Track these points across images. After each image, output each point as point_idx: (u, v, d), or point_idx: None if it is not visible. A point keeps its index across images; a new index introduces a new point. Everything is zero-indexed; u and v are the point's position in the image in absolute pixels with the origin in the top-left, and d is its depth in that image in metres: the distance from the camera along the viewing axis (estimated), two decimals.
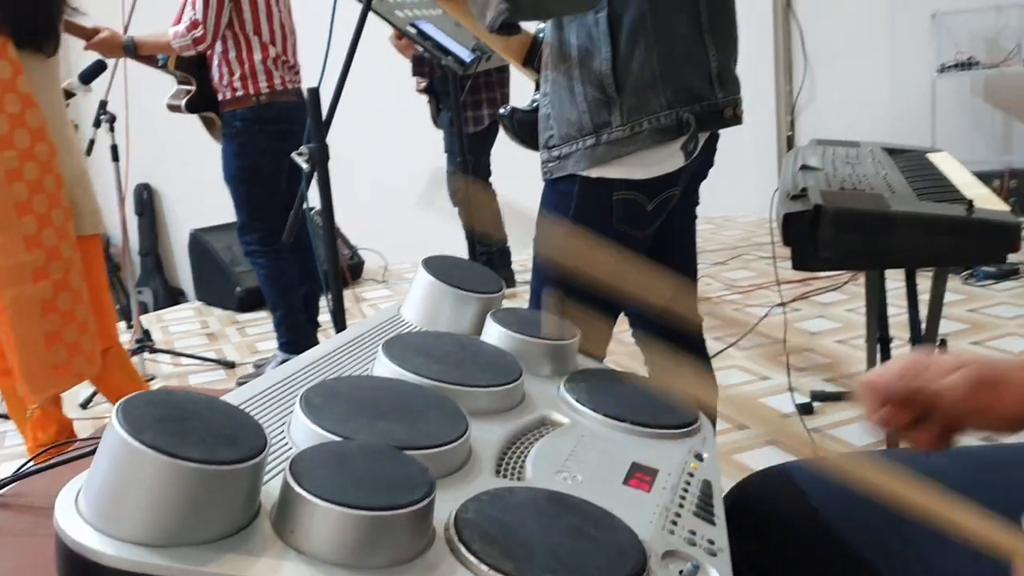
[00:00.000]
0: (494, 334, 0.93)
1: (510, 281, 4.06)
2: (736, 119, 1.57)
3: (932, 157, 2.33)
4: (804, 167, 2.01)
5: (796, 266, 1.72)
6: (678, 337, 1.80)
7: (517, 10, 1.35)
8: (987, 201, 1.75)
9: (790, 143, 5.26)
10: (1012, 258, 3.84)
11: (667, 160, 1.47)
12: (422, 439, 0.69)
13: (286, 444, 0.71)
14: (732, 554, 0.69)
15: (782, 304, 3.45)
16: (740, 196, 4.96)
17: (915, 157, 2.34)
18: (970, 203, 1.66)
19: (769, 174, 4.89)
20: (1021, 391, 0.69)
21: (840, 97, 5.08)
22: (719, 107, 1.52)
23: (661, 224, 1.57)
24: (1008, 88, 4.76)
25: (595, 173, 1.47)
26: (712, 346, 3.12)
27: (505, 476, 0.74)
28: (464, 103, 3.59)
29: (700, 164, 1.61)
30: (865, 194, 1.76)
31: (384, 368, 0.82)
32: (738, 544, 0.73)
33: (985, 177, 4.56)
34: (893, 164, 2.17)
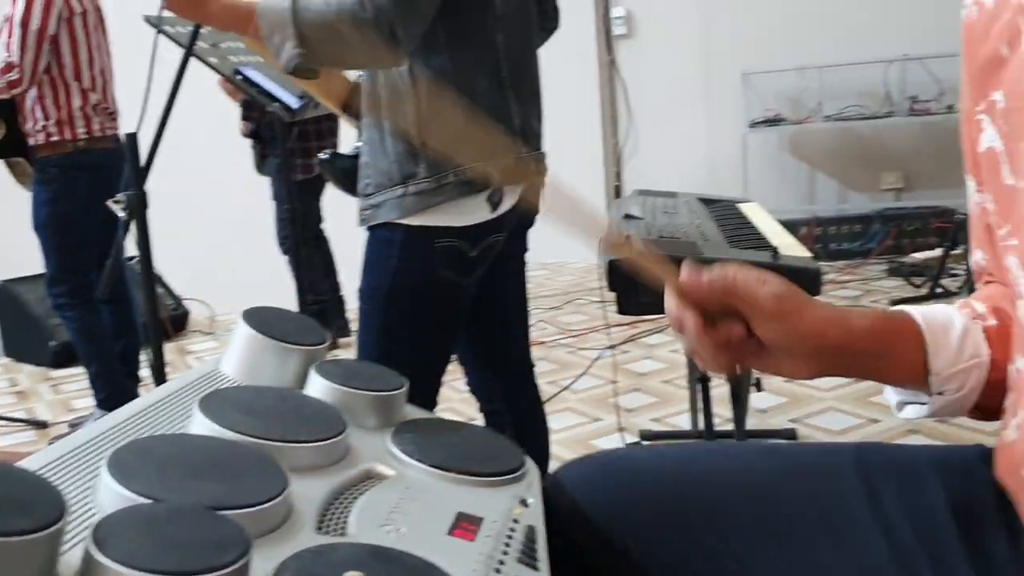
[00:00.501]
0: (317, 387, 0.92)
1: (344, 330, 4.00)
2: (539, 173, 1.62)
3: (743, 207, 2.48)
4: (627, 216, 2.10)
5: (621, 311, 1.78)
6: (512, 383, 1.83)
7: (313, 56, 1.35)
8: (791, 248, 1.88)
9: (617, 192, 5.49)
10: (821, 299, 4.12)
11: (476, 211, 1.50)
12: (238, 498, 0.67)
13: (91, 510, 0.67)
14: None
15: (612, 347, 3.56)
16: (572, 243, 5.10)
17: (727, 207, 2.48)
18: (775, 250, 1.78)
19: None
20: (816, 317, 0.73)
21: (661, 149, 5.35)
22: (523, 162, 1.57)
23: (490, 270, 1.60)
24: (811, 143, 5.15)
25: (416, 221, 1.48)
26: (546, 390, 3.19)
27: (327, 532, 0.72)
28: (294, 150, 3.54)
29: (527, 211, 1.66)
30: (681, 242, 1.85)
31: (200, 425, 0.79)
32: (550, 536, 0.74)
33: (793, 225, 4.93)
34: (707, 214, 2.29)
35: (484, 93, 1.49)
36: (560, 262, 5.30)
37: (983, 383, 0.77)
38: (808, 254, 1.85)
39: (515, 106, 1.54)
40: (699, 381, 2.42)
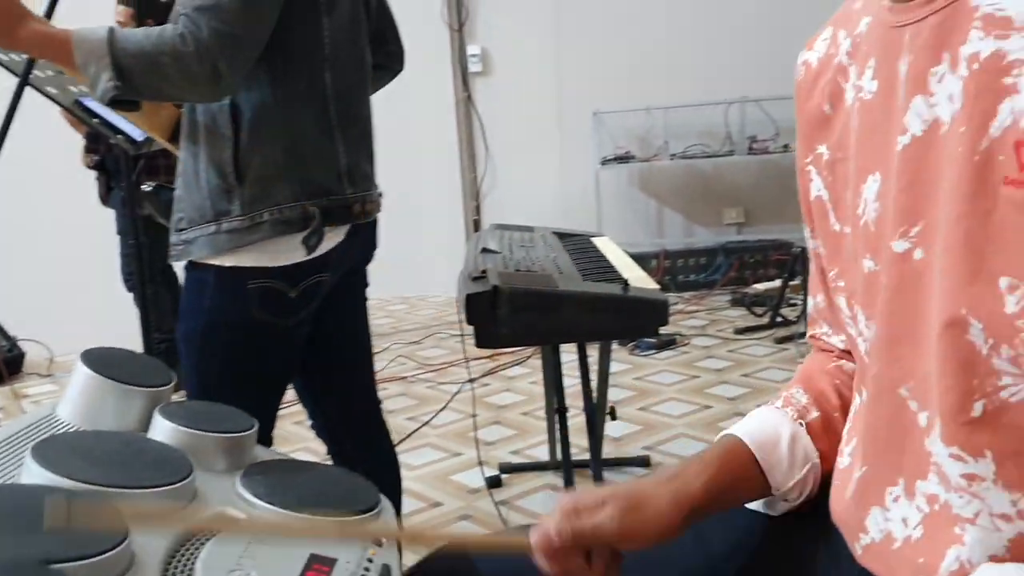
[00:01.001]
0: (162, 430, 0.88)
1: None
2: (365, 214, 1.60)
3: (596, 241, 2.55)
4: (484, 250, 2.12)
5: (479, 344, 1.80)
6: (357, 422, 1.80)
7: (131, 88, 1.30)
8: (641, 281, 1.95)
9: (477, 226, 5.54)
10: (668, 329, 4.25)
11: (292, 252, 1.46)
12: (75, 550, 0.64)
13: None
14: None
15: (472, 380, 3.58)
16: (432, 276, 5.12)
17: (581, 241, 2.55)
18: (626, 283, 1.84)
19: (458, 256, 5.07)
20: (660, 513, 0.76)
21: (519, 184, 5.45)
22: (347, 202, 1.54)
23: (323, 308, 1.57)
24: (659, 180, 5.36)
25: (229, 261, 1.44)
26: (406, 426, 3.17)
27: None
28: (140, 183, 3.41)
29: (362, 247, 1.64)
30: (537, 275, 1.89)
31: (33, 474, 0.75)
32: None
33: (644, 258, 5.10)
34: (562, 247, 2.35)
35: (309, 132, 1.47)
36: (421, 295, 5.30)
37: (820, 479, 0.83)
38: (656, 286, 1.92)
39: (342, 147, 1.52)
40: (556, 412, 2.47)
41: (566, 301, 1.76)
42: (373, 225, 1.68)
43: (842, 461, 0.78)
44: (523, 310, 1.76)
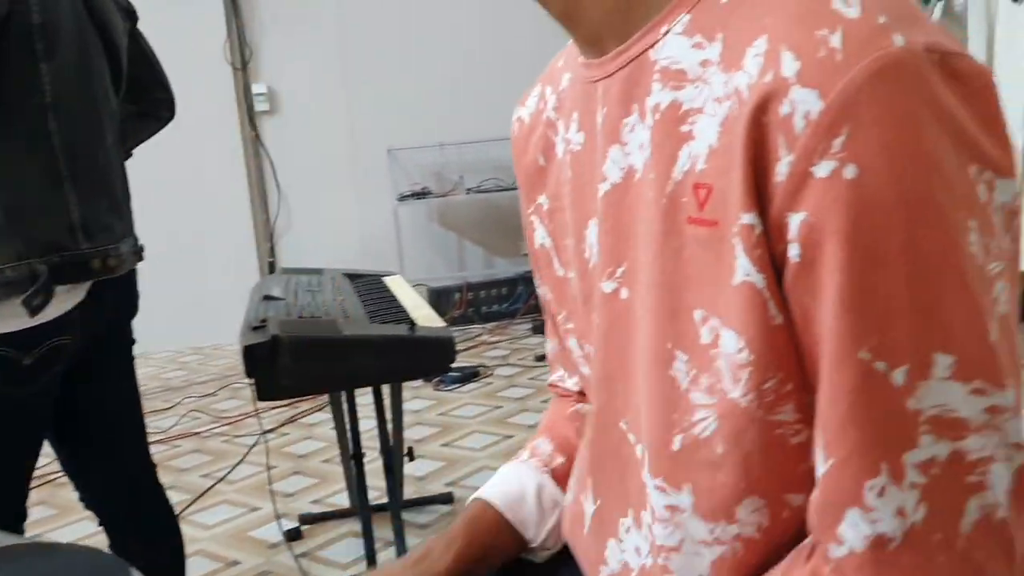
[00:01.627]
0: None
1: None
2: (109, 269, 1.49)
3: (387, 280, 2.54)
4: (267, 297, 2.05)
5: (260, 397, 1.73)
6: (126, 492, 1.68)
7: None
8: (429, 319, 1.95)
9: (272, 268, 5.38)
10: (474, 361, 4.28)
11: (18, 316, 1.36)
12: None
13: None
14: None
15: (269, 431, 3.45)
16: (227, 324, 4.90)
17: (372, 281, 2.53)
18: (413, 323, 1.83)
19: None
20: None
21: (314, 224, 5.35)
22: (83, 258, 1.44)
23: (74, 373, 1.46)
24: (457, 214, 5.41)
25: None
26: (200, 483, 3.01)
27: None
28: None
29: (114, 305, 1.54)
30: (321, 321, 1.85)
31: None
32: None
33: (447, 291, 5.13)
34: (352, 289, 2.31)
35: (33, 184, 1.38)
36: (215, 344, 5.07)
37: None
38: (443, 324, 1.93)
39: (74, 198, 1.43)
40: (352, 458, 2.42)
41: (351, 346, 1.73)
42: (128, 280, 1.57)
43: (569, 496, 0.81)
44: (305, 359, 1.71)
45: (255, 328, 1.78)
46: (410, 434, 3.19)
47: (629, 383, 0.67)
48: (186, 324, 5.23)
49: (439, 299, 5.09)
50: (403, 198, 5.11)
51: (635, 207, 0.64)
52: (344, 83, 5.27)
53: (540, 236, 0.81)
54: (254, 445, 3.32)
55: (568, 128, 0.73)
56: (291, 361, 1.69)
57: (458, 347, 4.67)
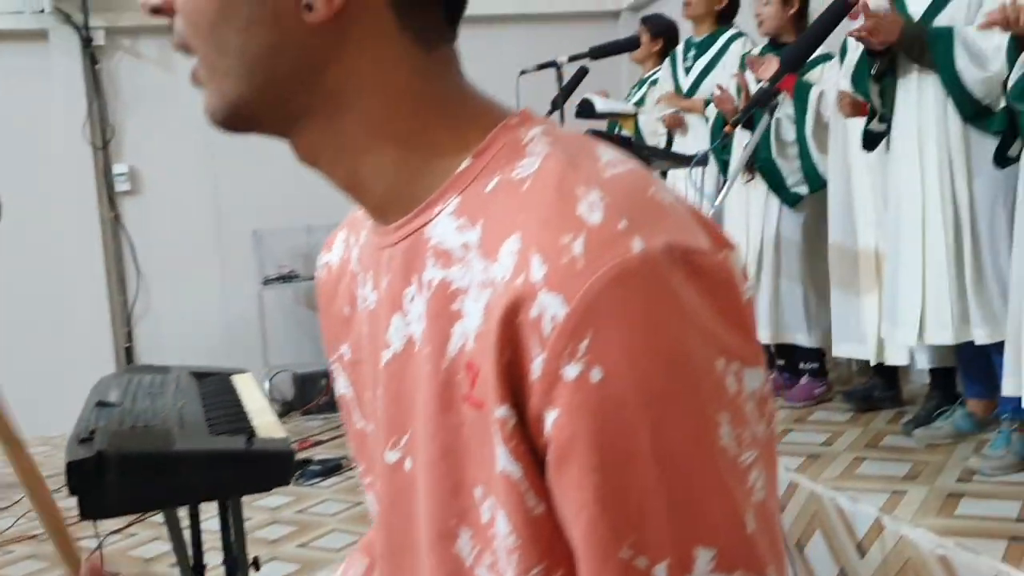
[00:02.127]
0: None
1: None
2: None
3: (235, 380, 2.45)
4: (100, 403, 1.96)
5: (83, 515, 1.64)
6: None
7: None
8: (270, 428, 1.89)
9: (128, 355, 5.17)
10: (337, 452, 4.17)
11: None
12: None
13: None
14: None
15: (116, 531, 3.27)
16: (77, 413, 4.66)
17: (220, 381, 2.44)
18: (251, 434, 1.78)
19: None
20: None
21: (176, 308, 5.18)
22: None
23: None
24: None
25: None
26: None
27: None
28: None
29: None
30: (154, 432, 1.77)
31: None
32: None
33: (314, 377, 5.01)
34: (196, 391, 2.23)
35: None
36: (65, 435, 4.80)
37: None
38: (284, 435, 1.87)
39: None
40: (193, 570, 2.30)
41: (182, 462, 1.66)
42: None
43: None
44: (134, 475, 1.63)
45: (82, 441, 1.69)
46: (265, 534, 3.08)
47: (416, 558, 0.66)
48: (37, 412, 4.93)
49: (304, 385, 4.98)
50: (268, 281, 5.02)
51: (416, 378, 0.64)
52: (209, 163, 5.17)
53: (342, 385, 0.80)
54: (96, 549, 3.12)
55: (365, 284, 0.73)
56: (118, 478, 1.61)
57: (321, 437, 4.58)
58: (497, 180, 0.60)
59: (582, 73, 3.25)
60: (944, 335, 2.47)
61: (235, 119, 0.64)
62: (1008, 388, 2.26)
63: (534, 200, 0.56)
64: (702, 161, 2.37)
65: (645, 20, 4.30)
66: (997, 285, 2.43)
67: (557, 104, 3.11)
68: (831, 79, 3.00)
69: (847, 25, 2.39)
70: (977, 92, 2.34)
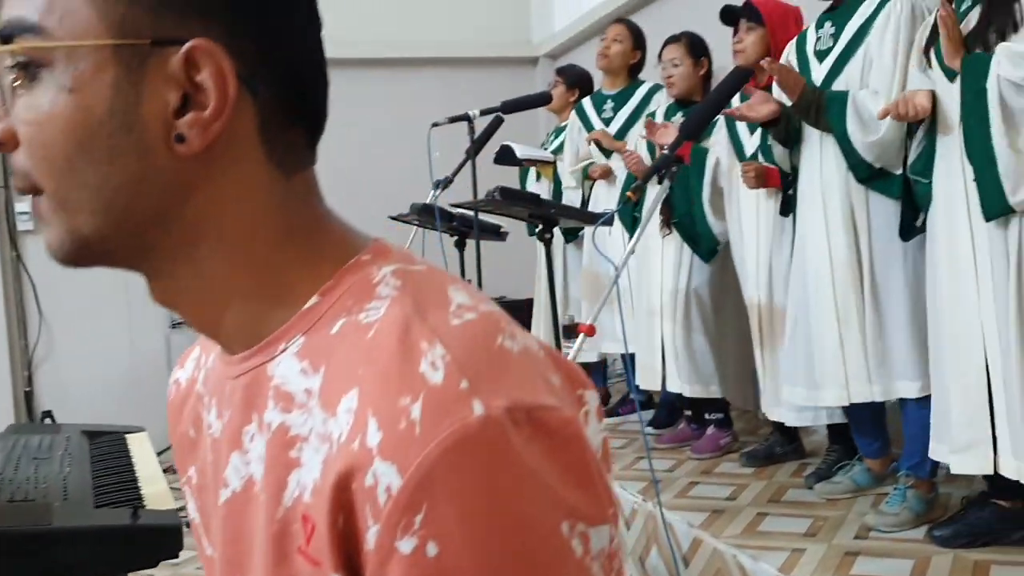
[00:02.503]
0: None
1: None
2: None
3: (130, 440, 2.37)
4: None
5: None
6: None
7: None
8: (160, 499, 1.82)
9: (29, 400, 4.98)
10: None
11: None
12: None
13: None
14: None
15: None
16: None
17: (114, 441, 2.35)
18: (137, 507, 1.71)
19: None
20: None
21: (79, 352, 5.01)
22: None
23: None
24: None
25: None
26: None
27: None
28: None
29: None
30: (33, 507, 1.69)
31: None
32: None
33: None
34: (87, 454, 2.14)
35: None
36: None
37: None
38: (173, 505, 1.81)
39: None
40: None
41: (61, 540, 1.58)
42: None
43: None
44: (7, 555, 1.55)
45: None
46: None
47: None
48: None
49: None
50: (176, 324, 4.89)
51: (254, 521, 0.61)
52: None
53: (191, 509, 0.77)
54: None
55: (211, 410, 0.70)
56: None
57: None
58: (343, 322, 0.58)
59: (497, 123, 3.27)
60: (840, 395, 2.53)
61: (85, 255, 0.60)
62: (936, 453, 2.27)
63: (377, 352, 0.55)
64: (608, 222, 2.40)
65: (560, 71, 4.35)
66: (895, 343, 2.48)
67: (469, 155, 3.11)
68: (715, 146, 3.07)
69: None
70: (867, 156, 2.40)
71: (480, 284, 3.45)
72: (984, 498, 2.35)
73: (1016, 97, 1.96)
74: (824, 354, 2.55)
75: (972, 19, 2.09)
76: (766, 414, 3.02)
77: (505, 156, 4.05)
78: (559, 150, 4.16)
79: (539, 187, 4.20)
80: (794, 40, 2.65)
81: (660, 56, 3.44)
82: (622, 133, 3.74)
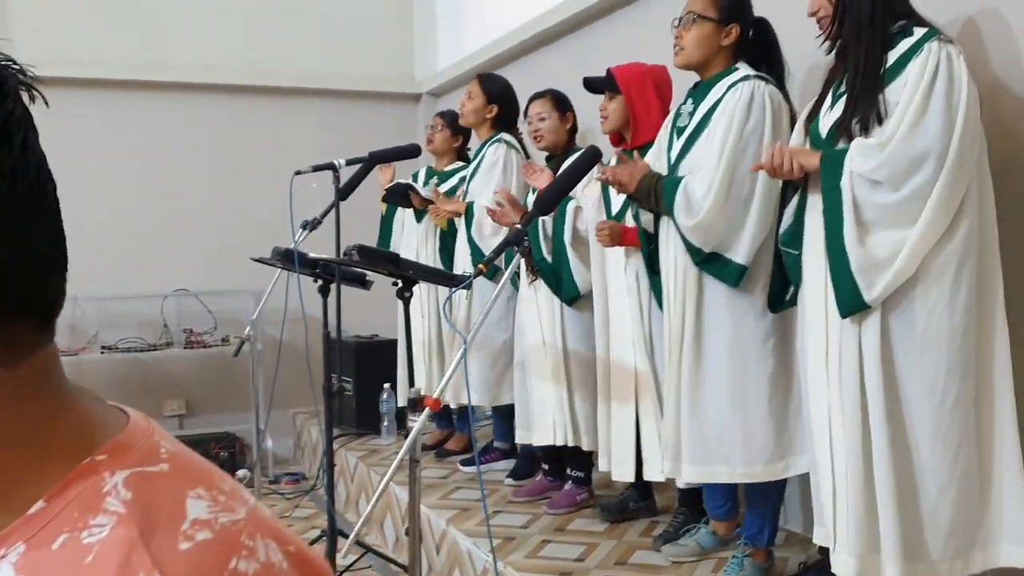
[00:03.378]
0: None
1: None
2: None
3: None
4: None
5: None
6: None
7: None
8: None
9: None
10: None
11: None
12: None
13: None
14: None
15: None
16: None
17: None
18: None
19: None
20: None
21: None
22: None
23: None
24: (92, 372, 4.97)
25: None
26: None
27: None
28: None
29: None
30: None
31: None
32: None
33: None
34: None
35: None
36: None
37: None
38: None
39: None
40: None
41: None
42: None
43: None
44: None
45: None
46: None
47: None
48: None
49: None
50: None
51: None
52: None
53: None
54: None
55: None
56: None
57: None
58: (65, 538, 0.54)
59: (366, 170, 3.23)
60: (667, 469, 2.59)
61: None
62: (817, 537, 2.19)
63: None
64: (468, 286, 2.39)
65: (443, 115, 4.34)
66: (713, 424, 2.49)
67: (335, 203, 3.07)
68: (585, 197, 3.11)
69: None
70: (692, 240, 2.42)
71: (339, 332, 3.40)
72: (820, 565, 2.42)
73: (868, 192, 1.96)
74: (665, 426, 2.62)
75: (839, 108, 2.09)
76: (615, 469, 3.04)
77: (398, 195, 3.98)
78: (450, 193, 4.11)
79: (420, 229, 4.14)
80: (674, 110, 2.69)
81: (526, 112, 3.49)
82: (467, 184, 3.82)
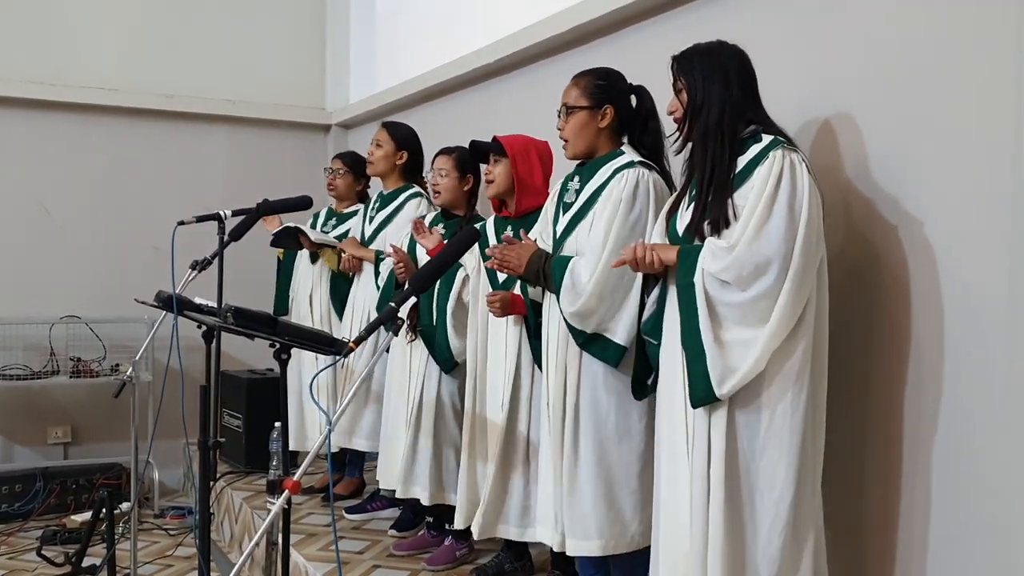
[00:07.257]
0: None
1: None
2: None
3: None
4: None
5: None
6: None
7: None
8: None
9: None
10: None
11: None
12: None
13: None
14: None
15: None
16: None
17: None
18: None
19: None
20: None
21: None
22: None
23: None
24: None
25: None
26: None
27: None
28: None
29: None
30: None
31: None
32: None
33: None
34: None
35: None
36: None
37: None
38: None
39: None
40: None
41: None
42: None
43: None
44: None
45: None
46: None
47: None
48: None
49: None
50: None
51: None
52: None
53: None
54: None
55: None
56: None
57: None
58: None
59: (253, 219, 3.18)
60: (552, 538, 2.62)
61: None
62: None
63: None
64: (345, 355, 2.38)
65: (343, 158, 4.32)
66: (587, 498, 2.52)
67: (218, 252, 3.01)
68: (471, 264, 3.15)
69: None
70: (573, 323, 2.46)
71: (219, 383, 3.35)
72: None
73: (719, 290, 2.02)
74: (541, 492, 2.65)
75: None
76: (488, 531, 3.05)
77: (287, 237, 3.95)
78: (343, 237, 4.10)
79: (314, 270, 4.13)
80: (560, 183, 2.72)
81: (432, 162, 3.50)
82: (376, 234, 3.82)
